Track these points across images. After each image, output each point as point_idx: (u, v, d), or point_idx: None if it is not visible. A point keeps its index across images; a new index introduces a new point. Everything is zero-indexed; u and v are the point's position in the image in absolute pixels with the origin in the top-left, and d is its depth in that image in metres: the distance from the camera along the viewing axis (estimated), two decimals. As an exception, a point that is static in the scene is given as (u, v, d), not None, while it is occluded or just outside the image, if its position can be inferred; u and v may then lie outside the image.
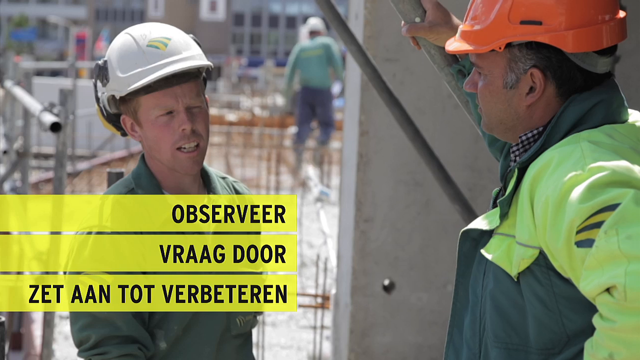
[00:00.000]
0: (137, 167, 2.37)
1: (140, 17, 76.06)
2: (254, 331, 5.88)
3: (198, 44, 2.37)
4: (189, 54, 2.28)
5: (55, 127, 4.24)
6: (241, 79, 44.02)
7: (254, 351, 6.04)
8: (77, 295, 2.24)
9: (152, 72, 2.23)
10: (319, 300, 5.70)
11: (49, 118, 4.31)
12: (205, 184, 2.40)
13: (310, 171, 9.18)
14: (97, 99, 2.38)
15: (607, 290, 1.64)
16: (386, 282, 4.43)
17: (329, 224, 7.67)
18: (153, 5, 79.30)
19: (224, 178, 2.49)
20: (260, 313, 2.57)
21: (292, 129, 15.22)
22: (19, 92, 6.58)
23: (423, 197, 4.42)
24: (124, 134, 2.42)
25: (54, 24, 78.90)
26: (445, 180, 3.60)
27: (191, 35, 2.37)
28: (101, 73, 2.30)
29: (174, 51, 2.27)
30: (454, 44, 1.95)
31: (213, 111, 26.64)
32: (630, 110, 1.93)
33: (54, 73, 30.59)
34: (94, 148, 15.32)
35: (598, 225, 1.66)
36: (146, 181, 2.32)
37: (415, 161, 4.26)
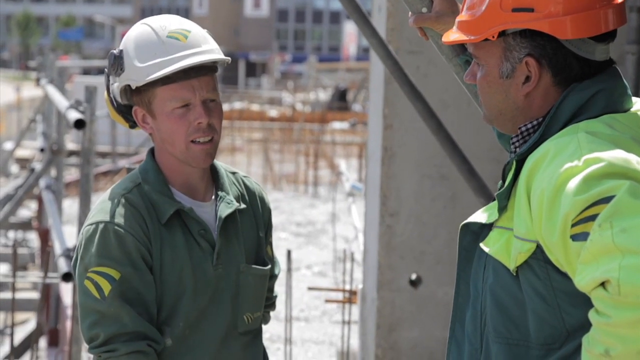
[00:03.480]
0: (145, 162, 2.36)
1: (185, 14, 76.57)
2: (282, 326, 5.88)
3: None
4: (207, 47, 2.27)
5: (79, 124, 4.26)
6: (284, 75, 44.16)
7: (282, 346, 6.04)
8: (85, 292, 2.24)
9: (173, 63, 2.21)
10: (347, 295, 5.68)
11: (73, 115, 4.32)
12: (214, 179, 2.38)
13: (342, 166, 9.15)
14: (108, 89, 2.36)
15: (602, 284, 1.60)
16: (413, 277, 4.39)
17: (361, 219, 7.65)
18: (197, 3, 79.83)
19: (233, 173, 2.46)
20: (273, 308, 2.55)
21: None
22: (51, 90, 6.64)
23: (449, 190, 4.37)
24: (132, 126, 2.41)
25: (101, 23, 79.77)
26: (470, 174, 3.56)
27: (206, 30, 2.36)
28: (116, 62, 2.28)
29: (194, 43, 2.25)
30: (451, 35, 1.92)
31: (255, 107, 26.75)
32: (634, 99, 1.88)
33: (102, 71, 30.99)
34: (135, 145, 15.44)
35: (593, 218, 1.62)
36: (153, 176, 2.31)
37: (440, 154, 4.21)
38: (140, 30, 2.30)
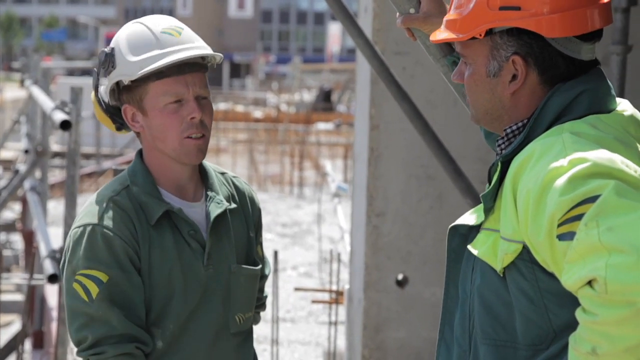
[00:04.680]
0: (133, 164, 2.35)
1: (169, 15, 76.25)
2: (269, 327, 5.88)
3: None
4: (200, 43, 2.29)
5: (65, 125, 4.24)
6: (269, 75, 44.14)
7: (269, 347, 6.03)
8: (73, 294, 2.23)
9: (167, 56, 2.22)
10: (334, 296, 5.68)
11: (59, 116, 4.31)
12: (203, 179, 2.38)
13: (328, 166, 9.16)
14: (96, 89, 2.35)
15: (589, 283, 1.60)
16: (400, 277, 4.40)
17: (347, 219, 7.66)
18: (182, 4, 79.63)
19: (222, 173, 2.46)
20: (263, 309, 2.55)
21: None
22: (36, 91, 6.61)
23: (435, 190, 4.38)
24: (118, 129, 2.39)
25: (84, 24, 79.48)
26: (456, 174, 3.56)
27: None
28: (107, 60, 2.27)
29: (187, 39, 2.27)
30: (439, 34, 1.93)
31: (239, 108, 26.74)
32: (618, 99, 1.89)
33: (85, 72, 30.90)
34: (119, 146, 15.39)
35: (579, 217, 1.62)
36: (141, 178, 2.30)
37: (426, 155, 4.22)
38: (132, 27, 2.30)
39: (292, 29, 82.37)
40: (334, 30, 49.54)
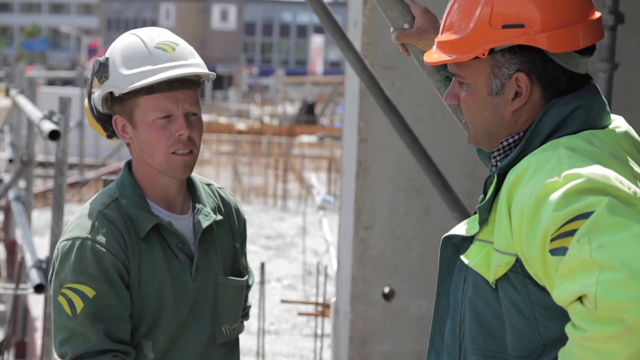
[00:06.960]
0: (122, 176, 2.35)
1: (152, 26, 76.13)
2: (254, 340, 5.87)
3: None
4: (194, 61, 2.29)
5: (54, 135, 4.24)
6: (252, 87, 44.12)
7: None
8: (58, 307, 2.23)
9: (158, 73, 2.22)
10: (320, 308, 5.68)
11: (47, 126, 4.31)
12: (190, 191, 2.39)
13: (313, 179, 9.17)
14: (89, 96, 2.36)
15: (580, 299, 1.63)
16: (386, 290, 4.42)
17: (332, 232, 7.67)
18: (164, 15, 79.60)
19: (209, 185, 2.47)
20: (247, 318, 2.56)
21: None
22: (22, 101, 6.59)
23: (422, 204, 4.41)
24: (109, 136, 2.40)
25: (66, 33, 79.24)
26: (444, 188, 3.59)
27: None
28: (101, 69, 2.28)
29: (181, 56, 2.27)
30: (433, 56, 1.92)
31: (222, 120, 26.74)
32: (613, 116, 1.91)
33: (67, 82, 30.78)
34: (103, 157, 15.34)
35: (572, 233, 1.64)
36: (130, 190, 2.30)
37: (414, 168, 4.25)
38: (128, 39, 2.31)
39: (275, 41, 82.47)
40: (317, 43, 49.66)
